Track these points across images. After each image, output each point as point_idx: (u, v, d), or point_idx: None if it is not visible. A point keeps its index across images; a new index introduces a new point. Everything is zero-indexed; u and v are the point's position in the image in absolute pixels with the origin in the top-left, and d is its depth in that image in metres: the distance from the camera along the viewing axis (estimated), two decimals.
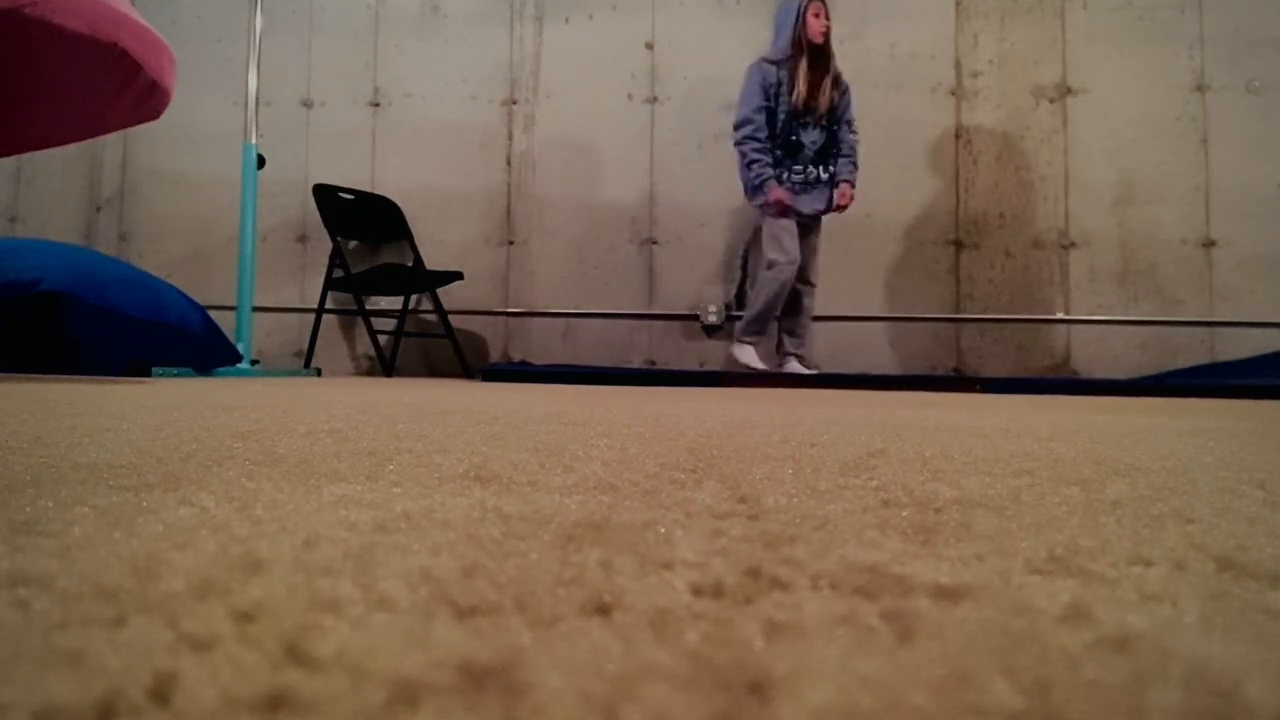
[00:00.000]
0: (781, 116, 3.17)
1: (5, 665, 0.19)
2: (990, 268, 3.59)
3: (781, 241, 3.17)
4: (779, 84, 3.15)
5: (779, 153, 3.18)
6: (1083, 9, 3.59)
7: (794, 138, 3.18)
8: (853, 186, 3.24)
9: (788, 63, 3.15)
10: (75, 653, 0.20)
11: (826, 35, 3.16)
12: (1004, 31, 3.62)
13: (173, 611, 0.23)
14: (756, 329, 3.23)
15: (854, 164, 3.26)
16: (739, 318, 3.66)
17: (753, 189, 3.18)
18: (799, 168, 3.19)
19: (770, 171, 3.13)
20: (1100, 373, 3.50)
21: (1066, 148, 3.57)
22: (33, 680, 0.18)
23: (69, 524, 0.35)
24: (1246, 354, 3.37)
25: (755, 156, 3.14)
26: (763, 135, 3.15)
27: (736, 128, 3.20)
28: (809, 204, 3.21)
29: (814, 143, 3.21)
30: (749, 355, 3.23)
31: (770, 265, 3.17)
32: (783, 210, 3.13)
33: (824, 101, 3.18)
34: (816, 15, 3.13)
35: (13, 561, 0.28)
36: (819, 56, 3.16)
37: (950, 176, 3.61)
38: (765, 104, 3.15)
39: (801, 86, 3.14)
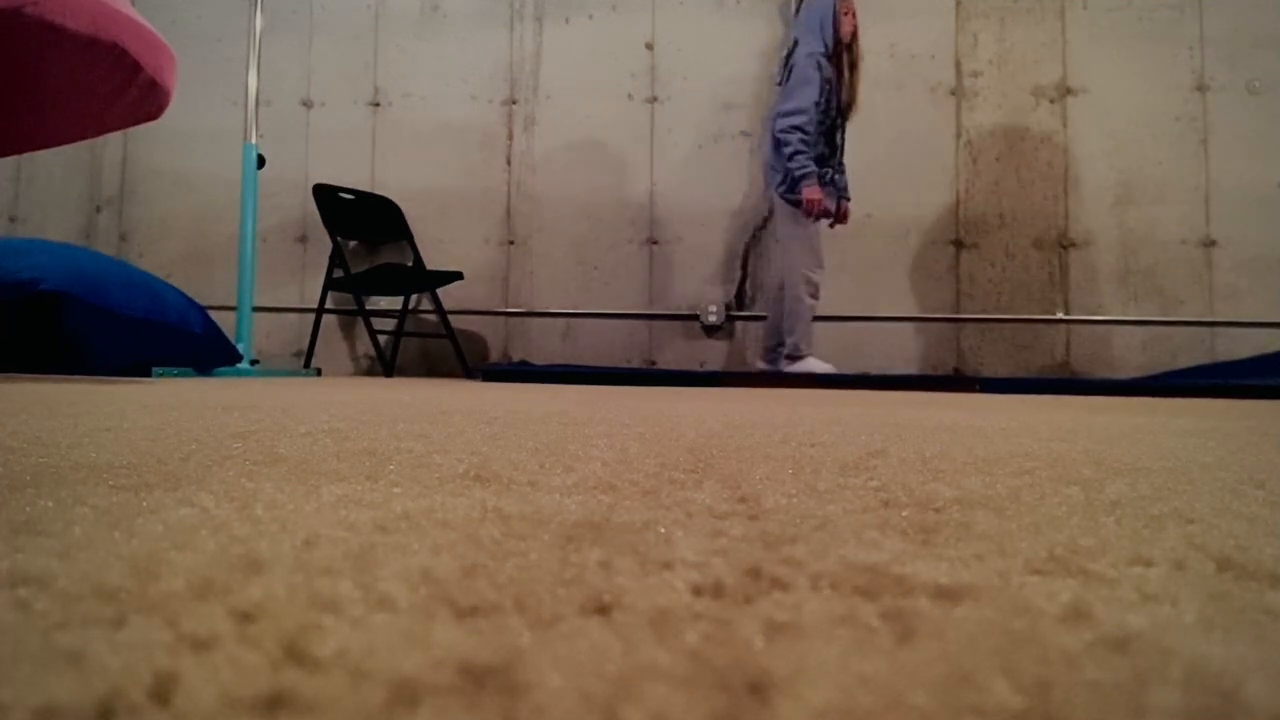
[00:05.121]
0: (832, 114, 3.16)
1: (5, 665, 0.19)
2: (990, 268, 3.59)
3: (817, 251, 3.15)
4: (829, 80, 3.13)
5: (825, 151, 3.16)
6: (1083, 9, 3.59)
7: (835, 138, 3.19)
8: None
9: (834, 60, 3.14)
10: (75, 653, 0.20)
11: (854, 34, 3.16)
12: (1004, 31, 3.62)
13: (173, 611, 0.23)
14: (797, 341, 3.16)
15: None
16: (739, 318, 3.66)
17: (793, 180, 3.10)
18: (835, 167, 3.21)
19: (812, 166, 3.08)
20: (1100, 373, 3.50)
21: (1066, 148, 3.57)
22: (33, 680, 0.18)
23: (69, 524, 0.35)
24: (1246, 354, 3.37)
25: (801, 148, 3.08)
26: (811, 129, 3.10)
27: (788, 115, 3.10)
28: (828, 206, 3.21)
29: (841, 146, 3.23)
30: (811, 365, 3.15)
31: (806, 280, 3.13)
32: (822, 212, 3.11)
33: (857, 103, 3.19)
34: (846, 13, 3.14)
35: (13, 561, 0.28)
36: (852, 56, 3.17)
37: (950, 176, 3.61)
38: (818, 99, 3.11)
39: (846, 85, 3.15)
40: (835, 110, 3.16)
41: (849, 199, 3.29)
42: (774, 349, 3.29)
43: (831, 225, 3.27)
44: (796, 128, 3.08)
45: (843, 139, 3.24)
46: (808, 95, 3.08)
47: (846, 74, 3.15)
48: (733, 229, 3.69)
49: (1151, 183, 3.53)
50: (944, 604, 0.26)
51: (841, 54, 3.14)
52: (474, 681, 0.19)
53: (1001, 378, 3.34)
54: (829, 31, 3.12)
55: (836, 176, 3.23)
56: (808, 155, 3.08)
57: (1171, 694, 0.19)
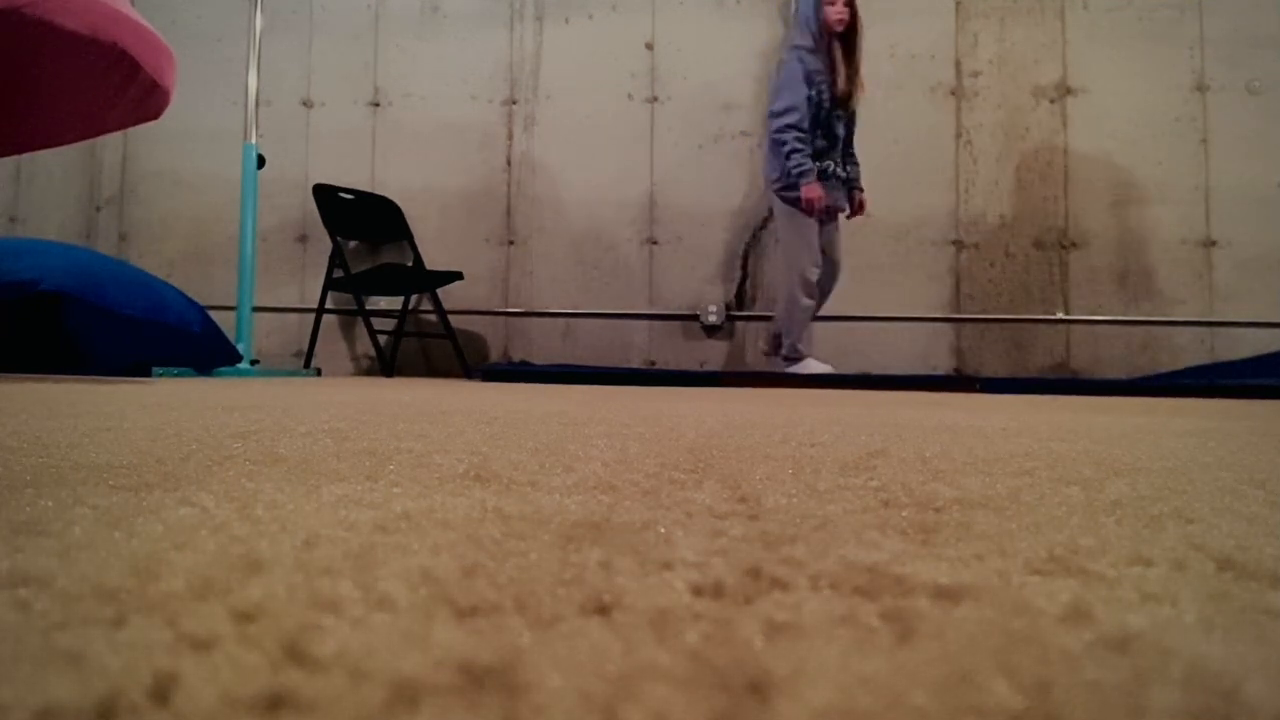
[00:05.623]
0: (826, 105, 3.13)
1: (5, 665, 0.19)
2: (990, 268, 3.59)
3: (812, 246, 3.13)
4: (818, 71, 3.11)
5: (823, 144, 3.15)
6: (1083, 9, 3.59)
7: (833, 129, 3.17)
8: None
9: (822, 52, 3.12)
10: (75, 653, 0.20)
11: (848, 24, 3.12)
12: (1004, 31, 3.62)
13: (173, 611, 0.23)
14: (795, 342, 3.16)
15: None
16: (739, 318, 3.66)
17: (791, 180, 3.09)
18: (839, 159, 3.19)
19: (810, 164, 3.07)
20: (1100, 373, 3.50)
21: (1066, 148, 3.57)
22: (33, 680, 0.18)
23: (69, 524, 0.35)
24: (1246, 354, 3.37)
25: (797, 146, 3.06)
26: (805, 125, 3.08)
27: (778, 115, 3.11)
28: (836, 199, 3.19)
29: (843, 136, 3.20)
30: (810, 366, 3.15)
31: (802, 279, 3.11)
32: (821, 209, 3.10)
33: (857, 94, 3.17)
34: (831, 4, 3.10)
35: (13, 561, 0.28)
36: (849, 45, 3.14)
37: (950, 176, 3.61)
38: (808, 93, 3.09)
39: (840, 75, 3.12)
40: (830, 101, 3.13)
41: (862, 189, 3.27)
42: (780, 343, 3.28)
43: (849, 217, 3.27)
44: (790, 126, 3.07)
45: (847, 129, 3.21)
46: (797, 91, 3.08)
47: (841, 63, 3.12)
48: (733, 229, 3.69)
49: (1151, 183, 3.53)
50: (944, 604, 0.26)
51: (831, 44, 3.11)
52: (474, 681, 0.19)
53: (1001, 378, 3.34)
54: (813, 23, 3.10)
55: (841, 170, 3.20)
56: (804, 153, 3.07)
57: (1171, 694, 0.19)
